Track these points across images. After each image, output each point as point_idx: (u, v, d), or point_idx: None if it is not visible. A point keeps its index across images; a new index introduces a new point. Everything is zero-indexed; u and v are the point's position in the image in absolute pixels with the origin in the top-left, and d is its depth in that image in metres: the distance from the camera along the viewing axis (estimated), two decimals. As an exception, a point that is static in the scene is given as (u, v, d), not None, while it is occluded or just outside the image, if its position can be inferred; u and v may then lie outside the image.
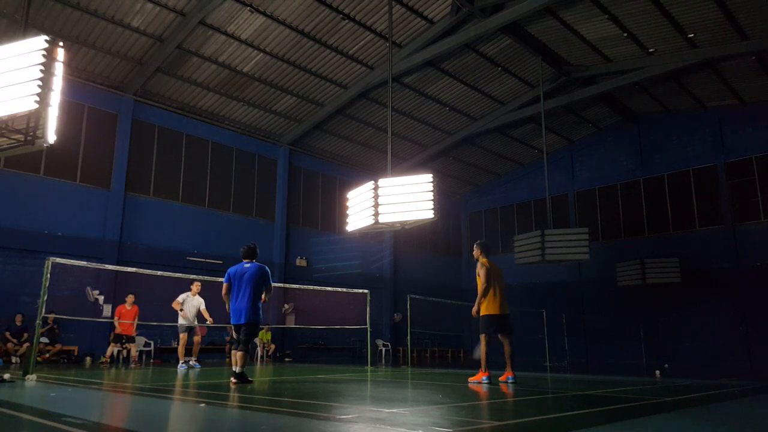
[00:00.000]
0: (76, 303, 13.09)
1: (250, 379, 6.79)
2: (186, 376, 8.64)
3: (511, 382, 7.29)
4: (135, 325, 12.00)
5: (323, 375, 8.86)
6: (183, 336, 10.98)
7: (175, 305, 10.96)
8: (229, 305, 6.94)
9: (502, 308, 7.60)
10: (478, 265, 7.70)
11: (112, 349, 12.08)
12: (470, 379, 7.58)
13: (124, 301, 11.95)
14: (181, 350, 10.91)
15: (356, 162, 20.82)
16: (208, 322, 11.19)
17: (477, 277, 7.68)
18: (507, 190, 24.03)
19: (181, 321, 11.00)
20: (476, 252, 7.90)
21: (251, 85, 15.89)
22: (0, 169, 12.84)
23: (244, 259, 7.06)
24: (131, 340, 12.13)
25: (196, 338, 11.28)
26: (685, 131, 19.53)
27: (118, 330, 11.90)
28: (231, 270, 7.01)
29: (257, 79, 15.62)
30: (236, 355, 6.65)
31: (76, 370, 9.72)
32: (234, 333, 7.04)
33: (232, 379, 6.55)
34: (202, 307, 11.16)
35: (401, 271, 21.83)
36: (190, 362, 11.09)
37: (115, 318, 11.88)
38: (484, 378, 7.34)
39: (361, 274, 19.70)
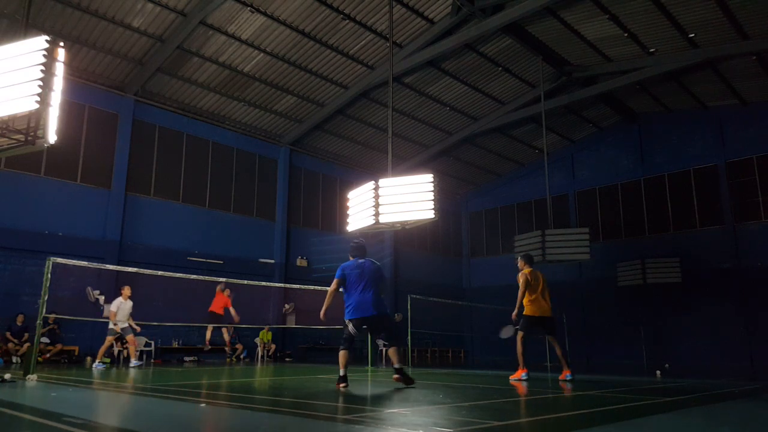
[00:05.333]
0: (77, 303, 13.11)
1: (412, 378, 6.34)
2: (185, 376, 8.64)
3: (569, 380, 7.79)
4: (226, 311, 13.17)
5: (323, 375, 8.86)
6: (110, 339, 11.36)
7: (112, 317, 11.18)
8: (328, 303, 6.51)
9: (542, 311, 8.30)
10: (520, 274, 8.42)
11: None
12: (511, 377, 8.08)
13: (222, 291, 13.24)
14: (102, 351, 11.29)
15: (357, 162, 20.83)
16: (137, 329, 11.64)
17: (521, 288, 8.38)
18: (507, 190, 24.02)
19: (111, 326, 11.28)
20: (520, 263, 8.57)
21: (252, 85, 15.89)
22: (0, 170, 12.86)
23: (355, 257, 6.72)
24: (225, 320, 13.29)
25: (131, 338, 11.50)
26: (686, 131, 19.52)
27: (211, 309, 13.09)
28: (345, 265, 6.59)
29: (258, 79, 15.63)
30: (390, 353, 6.34)
31: (77, 370, 9.73)
32: (353, 328, 6.37)
33: (395, 376, 6.27)
34: (130, 311, 11.43)
35: (401, 271, 21.83)
36: (131, 362, 11.33)
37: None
38: (523, 375, 7.90)
39: (361, 274, 19.66)
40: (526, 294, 8.25)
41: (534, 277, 8.38)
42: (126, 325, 11.27)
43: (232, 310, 13.14)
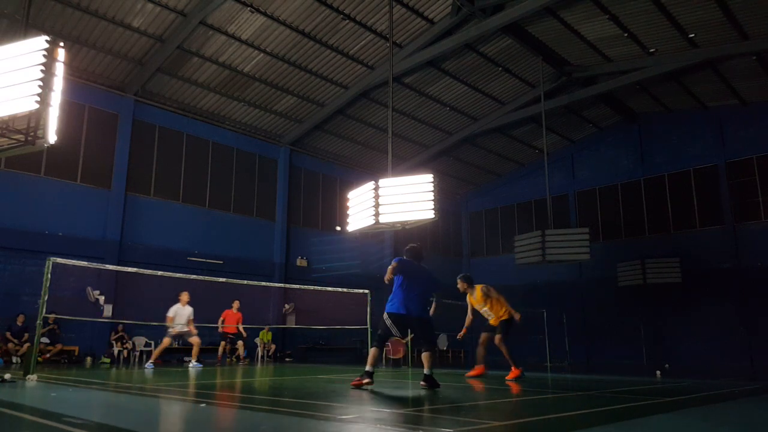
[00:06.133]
0: (77, 303, 13.11)
1: (438, 382, 6.26)
2: (186, 375, 8.64)
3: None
4: (238, 327, 13.76)
5: (323, 375, 8.86)
6: (167, 340, 11.31)
7: (168, 320, 11.17)
8: (392, 278, 6.34)
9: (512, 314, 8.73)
10: (482, 289, 8.60)
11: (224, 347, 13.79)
12: (507, 378, 8.19)
13: (231, 306, 13.73)
14: (157, 352, 11.38)
15: (357, 162, 20.83)
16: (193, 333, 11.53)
17: (492, 300, 8.59)
18: (507, 190, 24.01)
19: (169, 329, 11.31)
20: (463, 285, 8.71)
21: (252, 85, 15.89)
22: (0, 170, 12.85)
23: (411, 258, 6.66)
24: (238, 338, 13.89)
25: (195, 339, 11.40)
26: (686, 131, 19.51)
27: (221, 329, 13.80)
28: (404, 260, 6.50)
29: (258, 80, 15.63)
30: (424, 357, 6.27)
31: (77, 370, 9.73)
32: (391, 324, 6.30)
33: (422, 383, 6.20)
34: (191, 317, 11.40)
35: (402, 271, 21.75)
36: (191, 363, 11.34)
37: (221, 320, 13.64)
38: (520, 375, 8.16)
39: (361, 274, 19.69)
40: (504, 300, 8.67)
41: None
42: (185, 329, 11.26)
43: (241, 327, 13.78)
